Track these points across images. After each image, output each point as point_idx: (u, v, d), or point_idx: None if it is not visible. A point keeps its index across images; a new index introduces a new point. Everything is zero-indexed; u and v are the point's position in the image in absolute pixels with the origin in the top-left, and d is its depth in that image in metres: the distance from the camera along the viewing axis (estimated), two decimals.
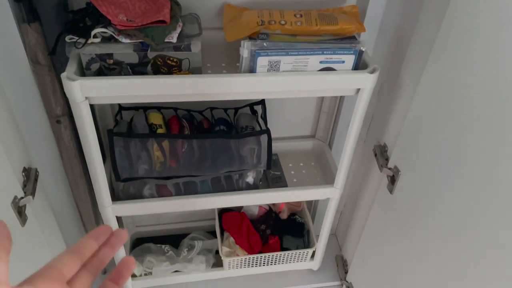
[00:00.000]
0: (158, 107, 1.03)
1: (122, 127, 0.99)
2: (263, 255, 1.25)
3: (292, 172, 1.20)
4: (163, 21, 0.76)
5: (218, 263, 1.31)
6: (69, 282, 0.34)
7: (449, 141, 0.72)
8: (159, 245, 1.33)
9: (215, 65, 0.91)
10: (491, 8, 0.60)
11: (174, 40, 0.77)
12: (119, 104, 1.03)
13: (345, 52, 0.81)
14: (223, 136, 0.98)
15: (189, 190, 1.04)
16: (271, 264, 1.31)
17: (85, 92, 0.75)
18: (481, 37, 0.63)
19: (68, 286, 0.34)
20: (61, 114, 0.93)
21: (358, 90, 0.86)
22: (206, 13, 0.91)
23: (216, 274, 1.32)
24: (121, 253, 1.11)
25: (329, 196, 1.12)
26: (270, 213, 1.32)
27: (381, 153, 1.01)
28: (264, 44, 0.78)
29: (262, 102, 1.07)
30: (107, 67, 0.78)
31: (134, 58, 0.78)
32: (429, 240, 0.81)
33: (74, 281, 0.35)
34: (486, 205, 0.64)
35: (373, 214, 1.09)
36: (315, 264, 1.36)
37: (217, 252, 1.29)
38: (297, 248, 1.30)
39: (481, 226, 0.66)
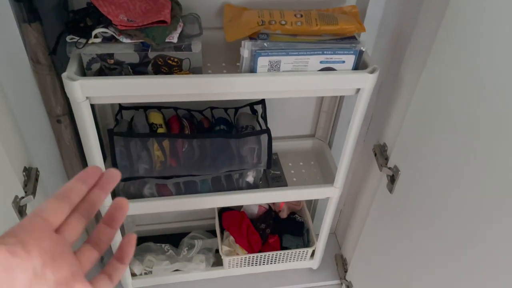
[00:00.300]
0: (159, 107, 1.04)
1: (123, 127, 1.00)
2: (263, 254, 1.26)
3: (292, 172, 1.21)
4: (163, 21, 0.76)
5: (218, 262, 1.31)
6: (58, 230, 0.32)
7: (449, 140, 0.73)
8: (159, 244, 1.33)
9: (215, 65, 0.91)
10: (490, 7, 0.60)
11: (175, 40, 0.78)
12: (119, 104, 1.03)
13: (345, 52, 0.81)
14: (223, 135, 0.99)
15: (189, 189, 1.04)
16: (270, 263, 1.31)
17: (86, 92, 0.75)
18: (481, 36, 0.63)
19: (57, 234, 0.31)
20: (62, 114, 0.93)
21: (358, 90, 0.87)
22: (206, 13, 0.91)
23: (216, 273, 1.32)
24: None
25: (329, 195, 1.12)
26: (270, 212, 1.33)
27: (381, 153, 1.01)
28: (265, 44, 0.78)
29: (262, 101, 1.07)
30: (107, 67, 0.78)
31: (135, 58, 0.78)
32: (429, 239, 0.82)
33: (63, 228, 0.32)
34: (485, 204, 0.64)
35: (373, 213, 1.09)
36: (314, 263, 1.37)
37: (217, 251, 1.29)
38: (296, 247, 1.31)
39: (480, 225, 0.66)
